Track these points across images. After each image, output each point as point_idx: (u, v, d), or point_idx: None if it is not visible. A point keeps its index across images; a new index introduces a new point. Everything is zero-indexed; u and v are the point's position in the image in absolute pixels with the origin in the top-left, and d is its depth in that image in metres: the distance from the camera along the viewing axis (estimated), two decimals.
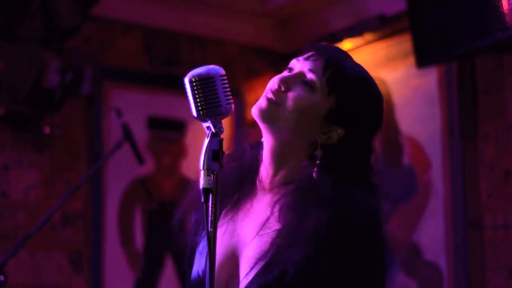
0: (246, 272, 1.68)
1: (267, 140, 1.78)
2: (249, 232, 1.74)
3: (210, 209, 1.58)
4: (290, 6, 5.12)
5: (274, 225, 1.69)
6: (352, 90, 1.75)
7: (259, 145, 1.83)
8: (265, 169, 1.78)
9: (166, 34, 5.18)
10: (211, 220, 1.58)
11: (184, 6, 5.10)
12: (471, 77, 4.37)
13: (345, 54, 1.80)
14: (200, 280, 1.74)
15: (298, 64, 1.77)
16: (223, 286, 1.70)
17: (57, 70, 4.32)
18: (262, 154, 1.80)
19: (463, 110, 4.36)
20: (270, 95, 1.73)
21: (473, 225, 4.30)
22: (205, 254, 1.75)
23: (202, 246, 1.80)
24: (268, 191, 1.77)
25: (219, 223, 1.78)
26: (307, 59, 1.77)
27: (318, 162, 1.72)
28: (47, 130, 4.63)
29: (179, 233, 1.86)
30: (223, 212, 1.81)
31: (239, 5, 5.18)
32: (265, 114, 1.73)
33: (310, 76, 1.74)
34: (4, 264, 3.19)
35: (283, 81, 1.74)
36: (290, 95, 1.73)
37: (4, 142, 4.62)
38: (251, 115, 1.76)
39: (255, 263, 1.66)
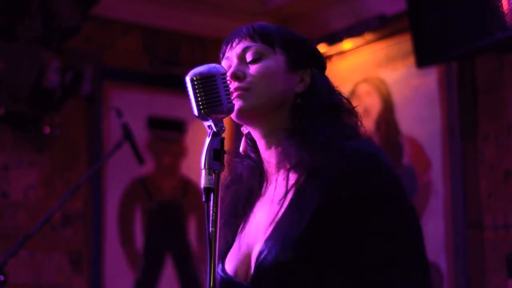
0: (260, 245, 1.67)
1: (255, 131, 1.78)
2: (261, 222, 1.73)
3: (211, 208, 1.57)
4: (290, 6, 5.12)
5: (278, 203, 1.69)
6: (285, 35, 1.79)
7: (250, 147, 1.83)
8: (265, 154, 1.78)
9: (166, 34, 5.18)
10: (212, 219, 1.57)
11: (184, 6, 5.11)
12: (471, 77, 4.37)
13: (251, 23, 1.84)
14: (222, 280, 1.74)
15: (230, 58, 1.79)
16: (243, 278, 1.70)
17: (57, 70, 4.32)
18: (254, 153, 1.81)
19: (463, 110, 4.35)
20: (238, 89, 1.73)
21: (473, 225, 4.30)
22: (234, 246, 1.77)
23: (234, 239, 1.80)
24: (276, 173, 1.76)
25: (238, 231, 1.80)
26: (232, 47, 1.79)
27: (300, 108, 1.74)
28: (47, 130, 4.63)
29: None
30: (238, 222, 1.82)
31: (239, 5, 5.18)
32: (247, 106, 1.73)
33: (249, 52, 1.76)
34: (4, 264, 3.19)
35: (235, 71, 1.74)
36: (251, 77, 1.74)
37: (4, 142, 4.62)
38: (235, 120, 1.76)
39: (268, 233, 1.65)
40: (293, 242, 1.61)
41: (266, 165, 1.79)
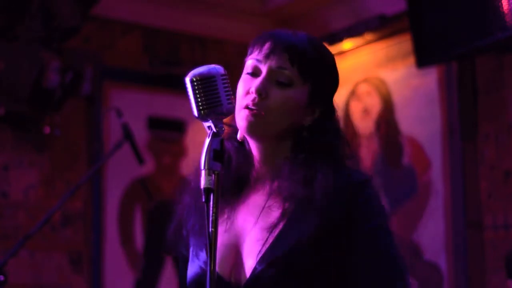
0: (253, 253, 1.69)
1: (254, 144, 1.78)
2: (248, 221, 1.74)
3: (211, 209, 1.57)
4: (290, 6, 5.12)
5: (275, 209, 1.71)
6: (321, 67, 1.76)
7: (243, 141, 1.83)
8: (257, 162, 1.78)
9: (166, 34, 5.18)
10: (212, 220, 1.57)
11: (184, 6, 5.10)
12: (471, 77, 4.37)
13: (293, 33, 1.79)
14: (204, 272, 1.73)
15: (261, 65, 1.75)
16: (227, 276, 1.70)
17: (57, 70, 4.32)
18: (249, 149, 1.81)
19: (463, 110, 4.35)
20: (254, 109, 1.72)
21: (473, 225, 4.30)
22: (201, 251, 1.76)
23: (196, 244, 1.79)
24: (264, 181, 1.77)
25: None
26: (267, 56, 1.74)
27: (307, 143, 1.75)
28: (47, 130, 4.63)
29: (176, 238, 1.86)
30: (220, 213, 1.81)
31: (239, 5, 5.18)
32: (254, 129, 1.73)
33: (283, 73, 1.73)
34: (4, 264, 3.19)
35: (259, 89, 1.71)
36: (272, 101, 1.72)
37: (4, 142, 4.62)
38: (239, 127, 1.76)
39: (265, 240, 1.67)
40: (294, 259, 1.64)
41: (257, 166, 1.79)
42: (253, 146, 1.78)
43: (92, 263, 4.82)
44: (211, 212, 1.57)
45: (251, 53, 1.78)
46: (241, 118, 1.73)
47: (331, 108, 1.80)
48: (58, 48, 4.38)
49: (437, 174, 4.47)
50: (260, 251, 1.67)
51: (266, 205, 1.73)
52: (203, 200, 1.57)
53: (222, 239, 1.72)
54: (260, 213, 1.73)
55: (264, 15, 5.23)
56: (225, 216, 1.78)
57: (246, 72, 1.78)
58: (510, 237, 4.14)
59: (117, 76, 5.04)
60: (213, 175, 1.58)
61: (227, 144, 1.79)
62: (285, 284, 1.64)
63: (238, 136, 1.81)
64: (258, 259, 1.67)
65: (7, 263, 3.21)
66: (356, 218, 1.68)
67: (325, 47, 1.80)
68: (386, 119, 4.79)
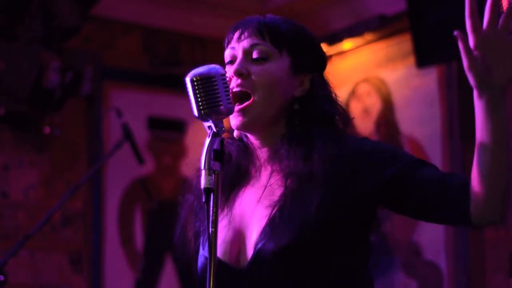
0: (257, 231, 1.69)
1: (252, 135, 1.79)
2: (251, 202, 1.74)
3: (211, 208, 1.57)
4: (290, 6, 5.12)
5: (277, 187, 1.71)
6: (295, 36, 1.78)
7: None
8: (257, 148, 1.79)
9: (166, 34, 5.18)
10: (212, 220, 1.57)
11: (184, 6, 5.10)
12: None
13: (261, 15, 1.83)
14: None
15: (236, 50, 1.77)
16: (234, 261, 1.70)
17: (57, 70, 4.32)
18: (247, 140, 1.81)
19: (463, 110, 4.35)
20: (240, 87, 1.73)
21: None
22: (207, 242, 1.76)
23: (204, 234, 1.80)
24: (266, 164, 1.77)
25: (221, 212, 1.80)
26: (239, 39, 1.77)
27: (299, 116, 1.75)
28: (47, 130, 4.62)
29: (182, 238, 1.86)
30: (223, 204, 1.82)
31: (239, 5, 5.18)
32: (247, 126, 1.74)
33: (256, 50, 1.75)
34: (4, 264, 3.19)
35: (238, 69, 1.74)
36: (255, 77, 1.73)
37: (4, 142, 4.62)
38: (232, 126, 1.76)
39: (268, 216, 1.67)
40: (298, 230, 1.63)
41: (257, 152, 1.80)
42: (250, 135, 1.80)
43: (92, 263, 4.82)
44: (211, 212, 1.57)
45: (226, 45, 1.81)
46: (232, 118, 1.74)
47: (321, 77, 1.80)
48: (58, 48, 4.38)
49: None
50: (263, 227, 1.67)
51: (268, 185, 1.73)
52: (203, 200, 1.57)
53: (226, 226, 1.74)
54: (263, 193, 1.73)
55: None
56: (227, 205, 1.79)
57: (226, 63, 1.80)
58: (510, 237, 4.13)
59: (117, 76, 5.04)
60: (213, 175, 1.59)
61: (228, 145, 1.81)
62: (287, 258, 1.63)
63: (235, 134, 1.83)
64: (259, 234, 1.67)
65: (7, 263, 3.21)
66: (377, 166, 1.66)
67: (296, 22, 1.83)
68: (386, 119, 4.79)
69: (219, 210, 1.73)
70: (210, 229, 1.57)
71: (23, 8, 4.18)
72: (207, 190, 1.57)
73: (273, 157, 1.75)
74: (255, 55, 1.75)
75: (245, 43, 1.76)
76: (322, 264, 1.64)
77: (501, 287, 4.14)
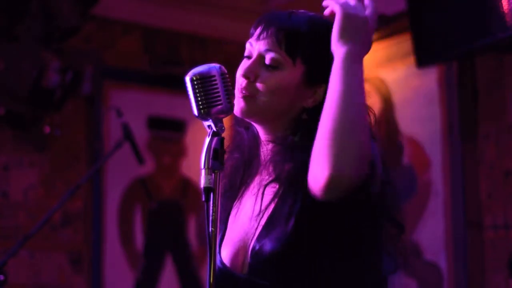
0: (256, 232, 1.69)
1: (256, 126, 1.79)
2: (251, 202, 1.75)
3: (211, 208, 1.57)
4: (290, 6, 5.08)
5: (269, 189, 1.71)
6: (315, 44, 1.73)
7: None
8: (263, 143, 1.79)
9: (166, 34, 5.18)
10: (212, 219, 1.57)
11: (184, 6, 5.10)
12: (471, 77, 4.37)
13: (288, 14, 1.78)
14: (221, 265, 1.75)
15: (253, 48, 1.76)
16: (239, 268, 1.71)
17: (57, 70, 4.32)
18: (256, 131, 1.81)
19: (463, 110, 4.35)
20: (244, 92, 1.72)
21: (473, 225, 4.30)
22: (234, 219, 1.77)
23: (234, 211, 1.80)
24: (268, 162, 1.77)
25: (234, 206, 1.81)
26: (258, 38, 1.75)
27: (304, 124, 1.73)
28: (47, 130, 4.63)
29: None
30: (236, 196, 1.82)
31: (239, 5, 5.18)
32: (246, 112, 1.73)
33: (269, 56, 1.72)
34: (4, 264, 3.19)
35: (247, 72, 1.73)
36: (260, 83, 1.72)
37: (4, 142, 4.62)
38: (235, 112, 1.76)
39: (260, 220, 1.68)
40: (286, 234, 1.63)
41: (262, 147, 1.80)
42: (257, 128, 1.79)
43: (92, 263, 4.82)
44: (211, 211, 1.57)
45: (250, 35, 1.79)
46: (235, 103, 1.73)
47: None
48: (58, 48, 4.37)
49: (437, 174, 4.46)
50: (259, 231, 1.68)
51: (268, 184, 1.72)
52: (203, 199, 1.57)
53: (232, 233, 1.75)
54: (263, 193, 1.72)
55: None
56: (237, 203, 1.80)
57: (244, 55, 1.79)
58: (510, 237, 4.13)
59: (117, 76, 5.04)
60: (213, 174, 1.58)
61: (242, 134, 1.81)
62: (281, 263, 1.64)
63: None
64: (256, 239, 1.67)
65: (7, 263, 3.21)
66: None
67: (324, 25, 1.75)
68: (386, 119, 4.79)
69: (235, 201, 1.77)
70: (210, 229, 1.57)
71: (23, 8, 4.18)
72: (207, 190, 1.57)
73: (274, 157, 1.75)
74: (267, 61, 1.73)
75: (262, 45, 1.73)
76: (317, 269, 1.64)
77: (501, 287, 4.14)
